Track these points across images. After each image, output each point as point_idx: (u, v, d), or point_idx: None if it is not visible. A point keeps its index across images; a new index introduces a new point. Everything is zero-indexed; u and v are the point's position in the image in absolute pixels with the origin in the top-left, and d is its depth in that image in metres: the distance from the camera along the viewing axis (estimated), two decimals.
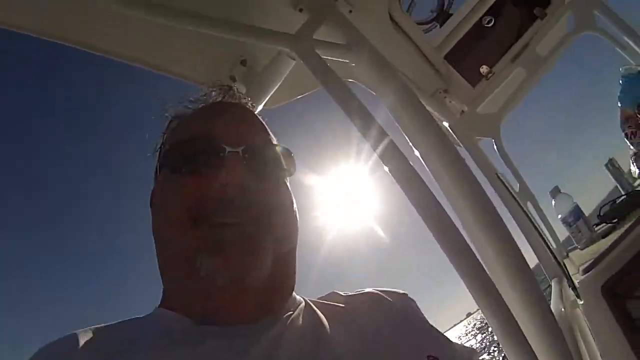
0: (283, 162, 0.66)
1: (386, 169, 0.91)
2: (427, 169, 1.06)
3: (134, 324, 0.57)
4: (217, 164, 0.58)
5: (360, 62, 1.11)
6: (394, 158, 0.90)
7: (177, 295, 0.59)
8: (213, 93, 0.73)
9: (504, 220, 1.04)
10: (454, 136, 2.21)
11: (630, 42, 2.24)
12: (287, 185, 0.67)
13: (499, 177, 2.19)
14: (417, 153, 1.08)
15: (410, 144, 1.08)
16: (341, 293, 0.73)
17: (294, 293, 0.67)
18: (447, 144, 1.05)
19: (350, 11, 1.42)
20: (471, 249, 0.92)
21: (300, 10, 1.26)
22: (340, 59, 1.12)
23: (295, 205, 0.66)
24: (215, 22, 1.06)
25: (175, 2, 1.01)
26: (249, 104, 0.75)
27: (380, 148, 0.91)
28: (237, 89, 0.76)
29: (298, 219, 0.66)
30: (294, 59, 1.21)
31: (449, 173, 1.03)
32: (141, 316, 0.59)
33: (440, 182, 1.05)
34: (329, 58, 1.07)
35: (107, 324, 0.56)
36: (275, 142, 0.69)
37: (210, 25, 1.05)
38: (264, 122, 0.71)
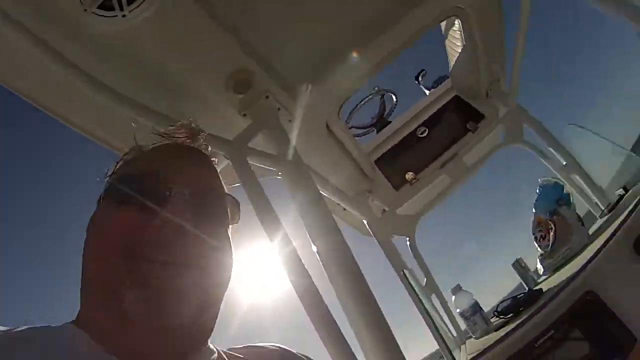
0: (229, 211, 0.67)
1: (280, 258, 1.16)
2: (321, 264, 1.31)
3: (47, 338, 0.56)
4: (161, 202, 0.58)
5: (285, 174, 1.36)
6: (286, 253, 1.15)
7: (94, 320, 0.58)
8: (182, 132, 0.72)
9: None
10: (370, 232, 2.50)
11: (554, 153, 2.54)
12: (227, 234, 0.67)
13: (404, 274, 2.48)
14: (314, 248, 1.33)
15: (310, 239, 1.33)
16: (256, 345, 0.75)
17: (208, 342, 0.66)
18: (341, 245, 1.32)
19: (290, 120, 1.63)
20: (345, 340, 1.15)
21: (244, 115, 1.47)
22: (268, 167, 1.37)
23: (232, 256, 0.66)
24: (161, 117, 1.22)
25: (136, 95, 1.19)
26: (209, 150, 0.74)
27: (278, 244, 1.16)
28: (205, 135, 0.74)
29: (232, 270, 0.66)
30: (228, 160, 1.38)
31: (338, 268, 1.28)
32: (54, 327, 0.58)
33: (329, 274, 1.29)
34: (258, 165, 1.32)
35: (17, 329, 0.56)
36: (225, 190, 0.70)
37: (157, 121, 1.20)
38: (217, 170, 0.72)
